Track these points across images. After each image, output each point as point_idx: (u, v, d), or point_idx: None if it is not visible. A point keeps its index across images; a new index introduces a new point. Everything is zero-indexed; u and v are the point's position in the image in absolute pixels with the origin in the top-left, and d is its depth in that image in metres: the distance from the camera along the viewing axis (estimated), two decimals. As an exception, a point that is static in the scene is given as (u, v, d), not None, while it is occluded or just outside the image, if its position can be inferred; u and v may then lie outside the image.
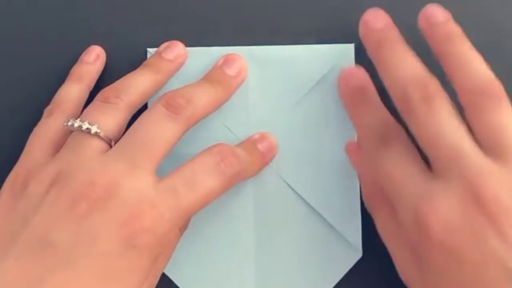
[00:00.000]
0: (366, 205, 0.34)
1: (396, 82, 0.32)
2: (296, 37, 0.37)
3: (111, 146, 0.32)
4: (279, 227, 0.36)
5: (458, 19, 0.34)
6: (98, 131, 0.31)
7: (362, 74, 0.34)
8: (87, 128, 0.31)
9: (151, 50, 0.37)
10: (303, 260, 0.35)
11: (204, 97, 0.33)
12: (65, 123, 0.32)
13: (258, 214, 0.36)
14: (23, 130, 0.35)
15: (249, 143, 0.35)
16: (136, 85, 0.34)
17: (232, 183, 0.32)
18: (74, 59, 0.37)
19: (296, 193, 0.36)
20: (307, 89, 0.36)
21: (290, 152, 0.36)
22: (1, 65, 0.38)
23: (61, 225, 0.28)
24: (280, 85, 0.36)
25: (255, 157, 0.34)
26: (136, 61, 0.37)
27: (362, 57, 0.36)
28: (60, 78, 0.37)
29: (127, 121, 0.33)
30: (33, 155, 0.32)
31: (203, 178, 0.31)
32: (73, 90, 0.35)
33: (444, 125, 0.29)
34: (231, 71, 0.35)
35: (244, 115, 0.35)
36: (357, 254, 0.35)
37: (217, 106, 0.34)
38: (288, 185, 0.36)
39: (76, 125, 0.31)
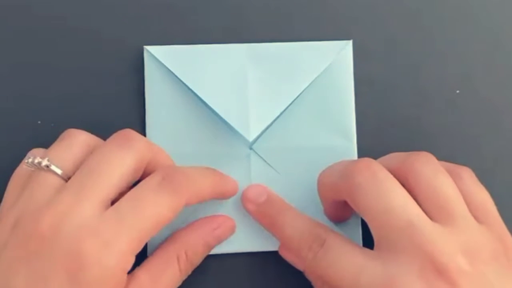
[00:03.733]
0: None
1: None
2: (295, 34, 0.37)
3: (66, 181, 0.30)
4: None
5: (458, 19, 0.34)
6: (49, 163, 0.30)
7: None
8: (39, 162, 0.30)
9: (148, 48, 0.36)
10: None
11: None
12: (25, 160, 0.31)
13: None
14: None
15: (204, 167, 0.34)
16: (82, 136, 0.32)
17: (183, 201, 0.31)
18: (69, 57, 0.37)
19: (294, 189, 0.36)
20: (306, 85, 0.36)
21: (289, 147, 0.36)
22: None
23: (17, 268, 0.28)
24: (279, 81, 0.36)
25: (210, 179, 0.33)
26: (133, 58, 0.37)
27: (360, 53, 0.36)
28: (54, 74, 0.36)
29: (84, 157, 0.31)
30: (5, 200, 0.32)
31: (148, 196, 0.30)
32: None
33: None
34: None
35: (244, 112, 0.35)
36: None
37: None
38: (286, 180, 0.36)
39: (29, 160, 0.30)
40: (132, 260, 0.29)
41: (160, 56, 0.36)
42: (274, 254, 0.35)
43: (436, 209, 0.29)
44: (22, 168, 0.32)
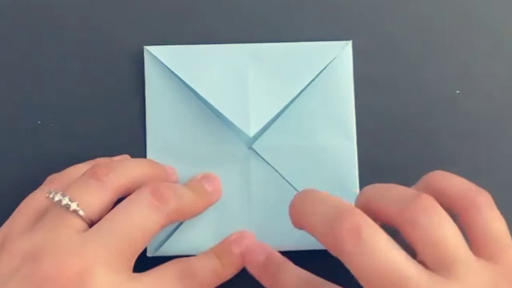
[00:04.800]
0: None
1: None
2: (295, 35, 0.37)
3: (90, 227, 0.30)
4: (278, 223, 0.35)
5: (458, 19, 0.34)
6: (78, 209, 0.29)
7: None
8: (67, 204, 0.29)
9: (148, 48, 0.36)
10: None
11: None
12: (47, 194, 0.30)
13: (255, 209, 0.36)
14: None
15: (195, 182, 0.34)
16: (131, 169, 0.32)
17: (167, 218, 0.31)
18: (69, 57, 0.37)
19: (294, 188, 0.36)
20: (306, 84, 0.36)
21: (289, 146, 0.36)
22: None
23: None
24: (279, 80, 0.36)
25: (201, 194, 0.34)
26: (133, 58, 0.37)
27: (359, 53, 0.36)
28: (54, 74, 0.37)
29: (113, 203, 0.31)
30: (14, 223, 0.31)
31: (135, 210, 0.30)
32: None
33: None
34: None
35: (245, 108, 0.35)
36: None
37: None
38: (287, 181, 0.36)
39: (56, 198, 0.29)
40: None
41: (161, 56, 0.36)
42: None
43: (435, 261, 0.27)
44: (39, 195, 0.31)
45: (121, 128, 0.36)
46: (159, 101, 0.36)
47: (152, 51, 0.36)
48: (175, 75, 0.36)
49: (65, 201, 0.29)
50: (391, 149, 0.36)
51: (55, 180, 0.33)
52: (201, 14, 0.37)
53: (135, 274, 0.30)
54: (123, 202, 0.30)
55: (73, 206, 0.29)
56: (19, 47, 0.37)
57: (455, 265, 0.27)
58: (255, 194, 0.36)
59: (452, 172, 0.31)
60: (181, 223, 0.35)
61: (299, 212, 0.30)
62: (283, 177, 0.36)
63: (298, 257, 0.35)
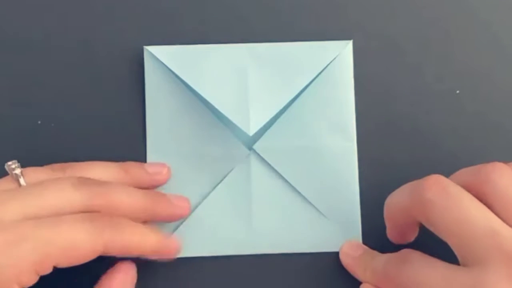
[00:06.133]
0: None
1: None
2: (296, 35, 0.37)
3: None
4: (278, 224, 0.36)
5: (458, 19, 0.34)
6: (19, 174, 0.32)
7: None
8: (12, 168, 0.32)
9: (148, 48, 0.36)
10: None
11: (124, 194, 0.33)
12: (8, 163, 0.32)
13: (256, 210, 0.36)
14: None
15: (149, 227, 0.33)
16: (95, 172, 0.33)
17: (101, 244, 0.30)
18: (69, 57, 0.37)
19: (295, 189, 0.36)
20: (306, 83, 0.36)
21: (289, 147, 0.36)
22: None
23: None
24: (279, 80, 0.36)
25: (149, 238, 0.32)
26: (133, 58, 0.36)
27: (360, 53, 0.36)
28: (53, 74, 0.36)
29: None
30: None
31: (69, 223, 0.30)
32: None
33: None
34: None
35: (244, 108, 0.35)
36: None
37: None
38: (287, 181, 0.36)
39: (9, 163, 0.32)
40: (31, 278, 0.29)
41: (160, 56, 0.36)
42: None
43: None
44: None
45: (121, 128, 0.36)
46: (159, 101, 0.36)
47: (152, 51, 0.36)
48: (175, 75, 0.36)
49: (13, 166, 0.32)
50: (391, 149, 0.36)
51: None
52: (201, 14, 0.37)
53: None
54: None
55: (17, 170, 0.32)
56: (19, 47, 0.37)
57: None
58: (255, 194, 0.36)
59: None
60: (178, 226, 0.35)
61: (388, 204, 0.33)
62: (283, 178, 0.36)
63: (299, 259, 0.35)
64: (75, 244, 0.29)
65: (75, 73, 0.37)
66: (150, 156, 0.36)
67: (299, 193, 0.36)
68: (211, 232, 0.35)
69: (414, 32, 0.36)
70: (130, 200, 0.32)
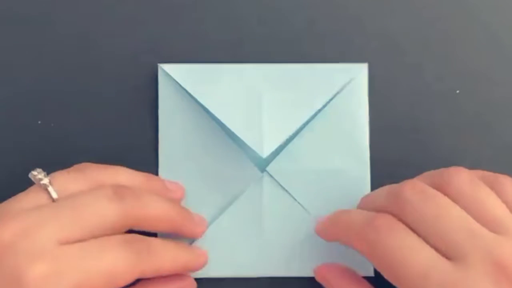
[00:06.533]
0: None
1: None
2: (311, 57, 0.36)
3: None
4: (291, 247, 0.35)
5: (458, 19, 0.34)
6: (48, 184, 0.31)
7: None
8: (40, 178, 0.31)
9: (162, 66, 0.36)
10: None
11: (155, 202, 0.32)
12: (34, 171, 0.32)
13: (268, 233, 0.35)
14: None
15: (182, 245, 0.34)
16: (121, 178, 0.33)
17: (140, 269, 0.30)
18: (85, 76, 0.37)
19: (308, 212, 0.35)
20: (321, 105, 0.36)
21: (302, 170, 0.36)
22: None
23: None
24: (293, 101, 0.35)
25: (181, 258, 0.33)
26: (148, 77, 0.36)
27: (375, 76, 0.36)
28: (65, 93, 0.37)
29: None
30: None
31: (113, 249, 0.30)
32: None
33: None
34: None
35: (258, 129, 0.35)
36: (368, 273, 0.35)
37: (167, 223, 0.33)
38: (300, 204, 0.36)
39: (34, 173, 0.31)
40: None
41: (175, 74, 0.36)
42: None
43: (486, 220, 0.29)
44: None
45: (134, 146, 0.36)
46: (172, 119, 0.36)
47: (167, 69, 0.36)
48: (189, 94, 0.36)
49: (40, 175, 0.31)
50: (391, 149, 0.36)
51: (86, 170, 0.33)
52: (216, 34, 0.37)
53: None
54: (106, 237, 0.30)
55: (45, 180, 0.30)
56: (22, 49, 0.37)
57: (505, 227, 0.29)
58: (267, 217, 0.35)
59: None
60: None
61: (335, 223, 0.33)
62: (296, 200, 0.36)
63: (312, 284, 0.35)
64: (116, 273, 0.29)
65: (91, 91, 0.36)
66: (161, 174, 0.36)
67: (311, 215, 0.35)
68: (222, 253, 0.35)
69: (414, 32, 0.36)
70: (163, 212, 0.32)
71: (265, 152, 0.34)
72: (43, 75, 0.37)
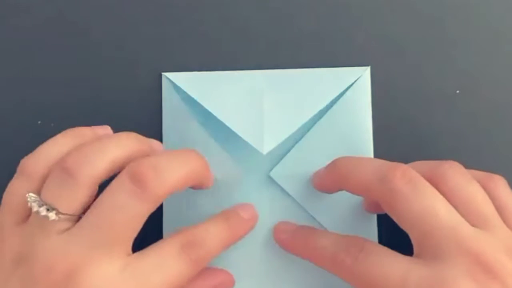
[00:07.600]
0: None
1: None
2: (312, 61, 0.37)
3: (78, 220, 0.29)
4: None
5: (458, 19, 0.34)
6: (57, 218, 0.28)
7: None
8: (45, 216, 0.28)
9: (166, 74, 0.36)
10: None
11: (173, 167, 0.30)
12: (28, 199, 0.29)
13: (272, 238, 0.35)
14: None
15: (230, 210, 0.34)
16: (110, 150, 0.30)
17: (201, 265, 0.30)
18: (90, 84, 0.37)
19: (312, 217, 0.35)
20: (323, 111, 0.36)
21: (306, 174, 0.36)
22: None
23: None
24: (294, 104, 0.36)
25: (235, 222, 0.33)
26: (151, 85, 0.37)
27: (375, 77, 0.36)
28: (68, 105, 0.37)
29: (95, 191, 0.30)
30: (1, 218, 0.31)
31: (168, 261, 0.29)
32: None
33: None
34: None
35: (259, 131, 0.35)
36: None
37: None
38: (304, 209, 0.36)
39: (34, 209, 0.29)
40: None
41: (178, 82, 0.36)
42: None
43: (473, 215, 0.29)
44: (18, 189, 0.30)
45: None
46: (175, 127, 0.36)
47: (170, 77, 0.36)
48: (193, 99, 0.36)
49: (43, 212, 0.28)
50: (391, 149, 0.36)
51: (27, 168, 0.31)
52: (218, 41, 0.37)
53: (134, 255, 0.29)
54: (103, 194, 0.29)
55: (52, 216, 0.28)
56: (30, 69, 0.37)
57: (490, 223, 0.29)
58: (272, 222, 0.35)
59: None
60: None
61: (343, 172, 0.32)
62: (300, 205, 0.36)
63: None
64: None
65: (95, 100, 0.37)
66: None
67: (315, 220, 0.35)
68: (227, 261, 0.35)
69: (414, 32, 0.36)
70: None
71: (265, 149, 0.34)
72: (45, 78, 0.37)
